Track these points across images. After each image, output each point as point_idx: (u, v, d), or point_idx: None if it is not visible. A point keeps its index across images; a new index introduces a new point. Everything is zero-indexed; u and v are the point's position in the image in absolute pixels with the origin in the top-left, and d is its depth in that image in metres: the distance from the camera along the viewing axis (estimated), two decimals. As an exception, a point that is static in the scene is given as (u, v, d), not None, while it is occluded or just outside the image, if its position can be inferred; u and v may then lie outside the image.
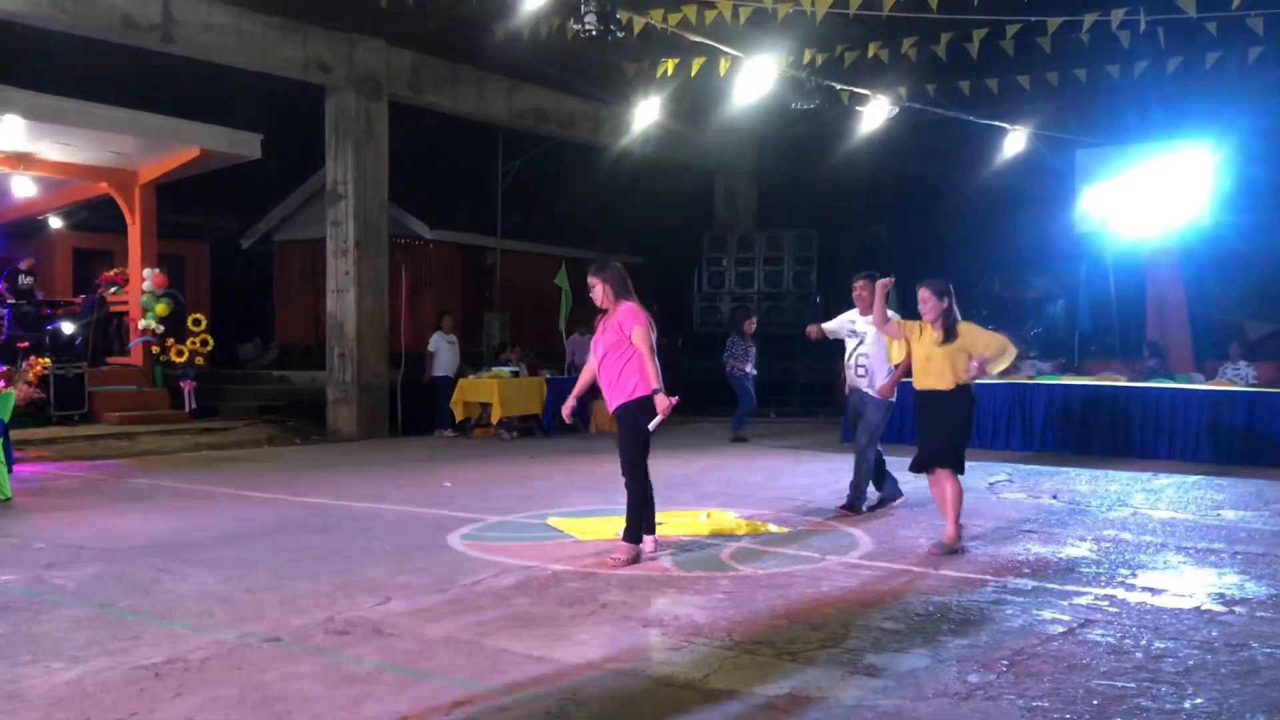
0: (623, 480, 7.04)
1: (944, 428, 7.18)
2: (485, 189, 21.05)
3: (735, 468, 12.07)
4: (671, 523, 8.18)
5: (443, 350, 15.87)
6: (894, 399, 8.76)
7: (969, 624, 5.49)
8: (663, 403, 6.74)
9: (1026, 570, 6.76)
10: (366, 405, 15.53)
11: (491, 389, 15.22)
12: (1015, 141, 17.48)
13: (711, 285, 20.14)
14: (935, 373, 7.19)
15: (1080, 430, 13.47)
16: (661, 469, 11.66)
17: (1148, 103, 17.28)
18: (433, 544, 7.52)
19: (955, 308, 7.34)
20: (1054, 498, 9.85)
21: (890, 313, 7.86)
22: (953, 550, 7.16)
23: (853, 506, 8.81)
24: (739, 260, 20.07)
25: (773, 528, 8.17)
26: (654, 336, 6.92)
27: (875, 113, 15.94)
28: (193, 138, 14.50)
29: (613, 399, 6.94)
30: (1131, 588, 6.32)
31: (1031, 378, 14.50)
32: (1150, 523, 8.52)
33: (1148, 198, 17.43)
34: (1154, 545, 7.62)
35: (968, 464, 7.39)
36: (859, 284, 8.67)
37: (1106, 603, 5.96)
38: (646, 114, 16.72)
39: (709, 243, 20.29)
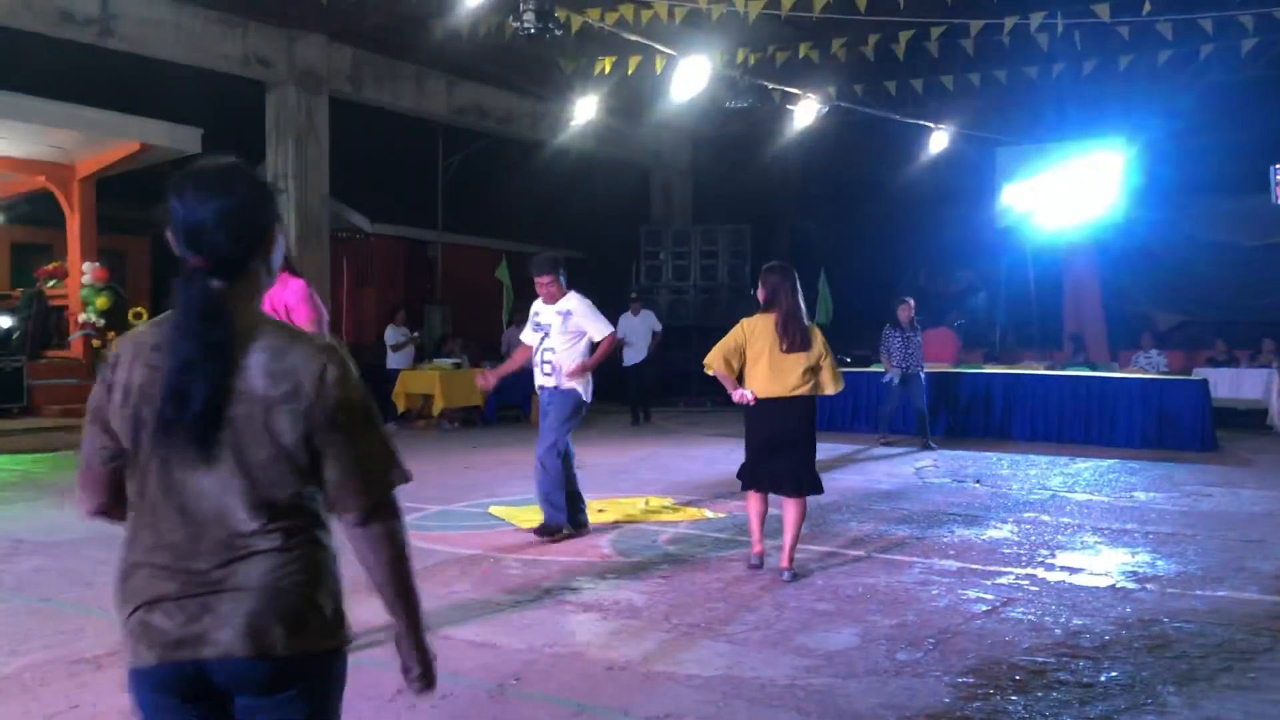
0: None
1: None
2: (426, 183, 20.82)
3: (673, 456, 12.09)
4: (612, 509, 8.17)
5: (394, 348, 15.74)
6: (587, 398, 7.14)
7: (897, 604, 5.55)
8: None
9: (951, 552, 6.85)
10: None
11: (433, 380, 15.10)
12: (939, 140, 17.72)
13: (649, 278, 20.14)
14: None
15: (1002, 417, 13.68)
16: (597, 458, 11.64)
17: (1064, 103, 17.61)
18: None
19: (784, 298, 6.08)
20: (977, 482, 9.98)
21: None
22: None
23: (550, 528, 7.04)
24: (675, 254, 20.09)
25: (709, 514, 8.19)
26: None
27: (806, 112, 16.05)
28: (131, 132, 14.12)
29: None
30: (1051, 567, 6.43)
31: (956, 367, 14.70)
32: (1068, 505, 8.67)
33: (1064, 194, 17.76)
34: (1071, 527, 7.76)
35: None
36: (546, 278, 7.03)
37: (1027, 582, 6.06)
38: (584, 111, 16.67)
39: (646, 237, 20.28)
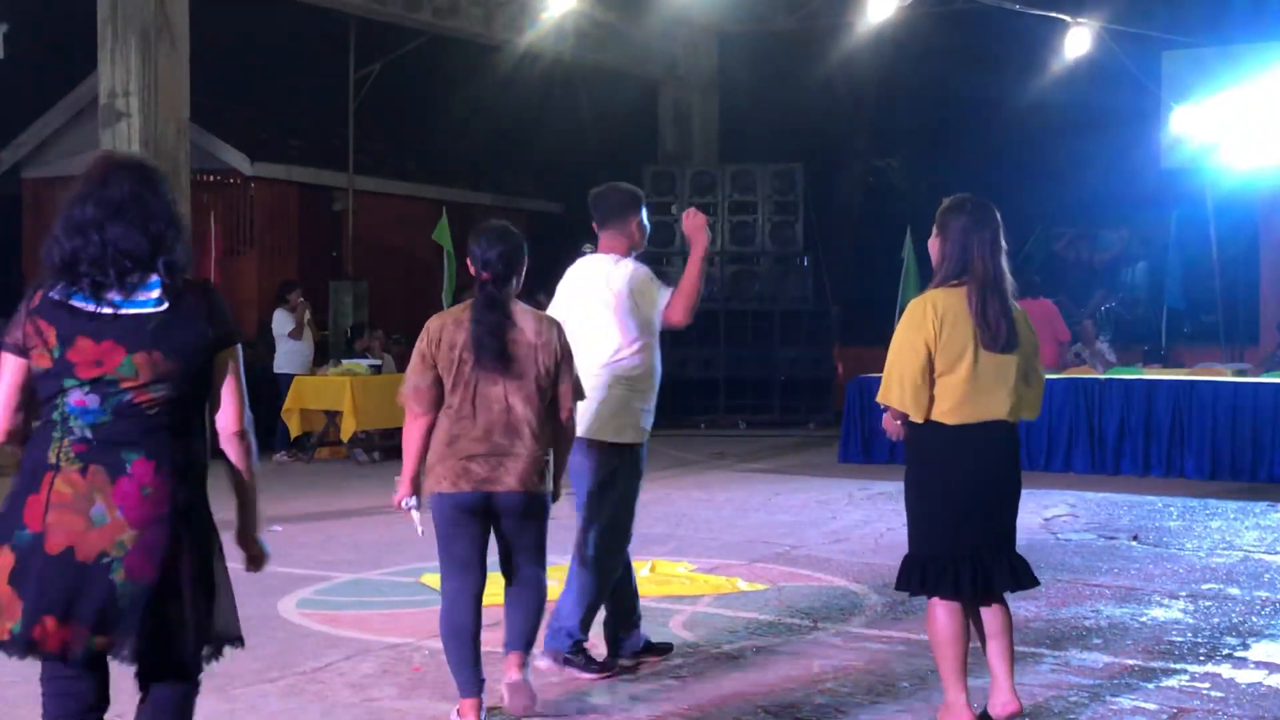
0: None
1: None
2: (331, 105, 20.83)
3: (691, 501, 12.07)
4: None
5: (289, 336, 15.64)
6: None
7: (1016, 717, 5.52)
8: None
9: (1097, 641, 6.82)
10: (161, 415, 15.26)
11: (342, 391, 15.07)
12: (1079, 40, 17.69)
13: (655, 241, 20.05)
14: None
15: (1168, 444, 13.63)
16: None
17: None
18: (258, 614, 7.40)
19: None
20: (1135, 539, 9.96)
21: None
22: None
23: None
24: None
25: (743, 584, 8.18)
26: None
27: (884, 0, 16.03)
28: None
29: None
30: (1241, 663, 6.40)
31: (1101, 373, 14.67)
32: (1267, 572, 8.65)
33: (1264, 120, 17.70)
34: (1272, 604, 7.75)
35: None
36: None
37: (1208, 685, 6.03)
38: (562, -1, 16.64)
39: (652, 181, 20.19)
